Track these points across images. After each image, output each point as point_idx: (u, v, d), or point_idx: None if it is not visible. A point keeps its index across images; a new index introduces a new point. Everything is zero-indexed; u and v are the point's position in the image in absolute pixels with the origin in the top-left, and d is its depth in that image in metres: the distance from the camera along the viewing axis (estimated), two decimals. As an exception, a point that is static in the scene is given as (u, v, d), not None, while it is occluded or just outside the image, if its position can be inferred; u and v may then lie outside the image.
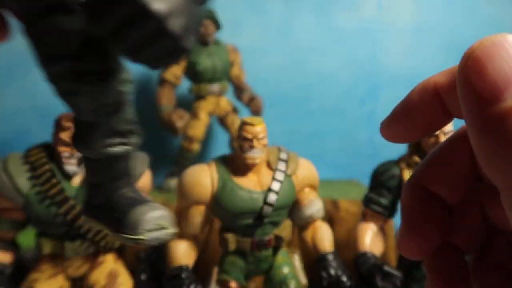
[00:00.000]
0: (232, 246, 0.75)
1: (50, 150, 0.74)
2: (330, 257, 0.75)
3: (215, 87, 1.21)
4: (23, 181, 0.71)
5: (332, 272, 0.73)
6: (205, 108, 1.21)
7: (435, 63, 1.45)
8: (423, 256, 0.23)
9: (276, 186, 0.73)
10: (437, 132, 0.74)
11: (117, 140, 0.34)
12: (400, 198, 0.24)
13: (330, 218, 0.98)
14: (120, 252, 0.86)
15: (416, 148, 0.80)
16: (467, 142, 0.21)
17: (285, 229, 0.77)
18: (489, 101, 0.15)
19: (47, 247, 0.76)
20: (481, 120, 0.15)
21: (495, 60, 0.15)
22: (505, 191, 0.15)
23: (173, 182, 1.21)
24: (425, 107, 0.22)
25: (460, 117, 0.22)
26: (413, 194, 0.23)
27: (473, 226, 0.23)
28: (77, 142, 0.33)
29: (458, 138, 0.23)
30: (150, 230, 0.32)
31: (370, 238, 0.79)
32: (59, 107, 1.39)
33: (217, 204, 0.73)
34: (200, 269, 0.87)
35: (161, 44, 0.22)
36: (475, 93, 0.15)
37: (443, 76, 0.22)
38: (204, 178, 0.73)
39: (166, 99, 1.17)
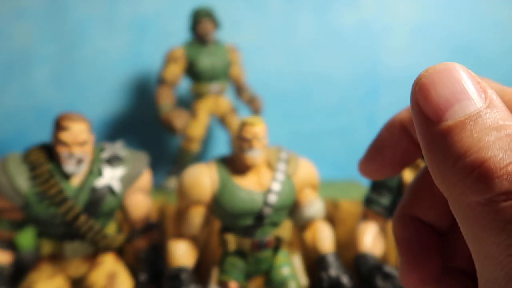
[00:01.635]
0: (232, 246, 0.75)
1: (49, 150, 0.74)
2: (331, 258, 0.75)
3: (214, 86, 1.21)
4: (22, 181, 0.71)
5: (333, 273, 0.73)
6: (204, 108, 1.21)
7: (436, 63, 1.45)
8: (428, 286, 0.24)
9: (276, 186, 0.73)
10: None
11: None
12: (393, 231, 0.25)
13: (330, 219, 0.98)
14: (120, 252, 0.86)
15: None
16: None
17: (286, 229, 0.77)
18: (433, 122, 0.17)
19: (47, 247, 0.75)
20: (427, 139, 0.17)
21: (438, 86, 0.17)
22: (450, 202, 0.17)
23: (172, 182, 1.21)
24: (395, 143, 0.24)
25: None
26: (405, 225, 0.24)
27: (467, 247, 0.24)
28: None
29: None
30: None
31: (370, 239, 0.78)
32: (59, 107, 1.38)
33: (217, 205, 0.73)
34: (200, 270, 0.86)
35: None
36: (422, 115, 0.17)
37: (407, 111, 0.24)
38: (203, 178, 0.73)
39: (165, 99, 1.17)
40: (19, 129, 1.38)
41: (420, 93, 0.18)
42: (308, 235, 0.79)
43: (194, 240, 0.77)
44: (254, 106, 1.24)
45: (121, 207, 0.80)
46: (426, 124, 0.17)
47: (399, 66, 1.45)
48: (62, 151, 0.70)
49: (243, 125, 0.71)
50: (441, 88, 0.17)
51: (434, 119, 0.17)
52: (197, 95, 1.22)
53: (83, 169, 0.74)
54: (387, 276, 0.73)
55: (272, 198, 0.72)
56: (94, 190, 0.73)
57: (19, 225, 0.76)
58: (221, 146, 1.41)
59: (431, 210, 0.24)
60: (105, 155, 0.76)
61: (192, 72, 1.20)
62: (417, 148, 0.24)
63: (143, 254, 0.81)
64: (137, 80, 1.42)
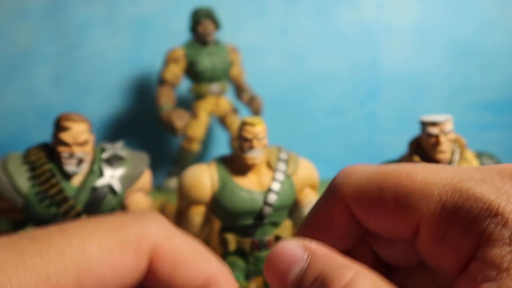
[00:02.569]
0: (232, 246, 0.75)
1: (49, 150, 0.74)
2: (330, 258, 0.75)
3: (215, 87, 1.21)
4: (22, 181, 0.71)
5: (332, 272, 0.73)
6: (204, 108, 1.21)
7: (436, 63, 1.45)
8: None
9: (276, 186, 0.73)
10: (437, 132, 0.73)
11: None
12: None
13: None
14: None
15: (416, 148, 0.79)
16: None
17: (286, 229, 0.77)
18: None
19: (47, 247, 0.75)
20: None
21: (273, 269, 0.18)
22: None
23: (173, 182, 1.21)
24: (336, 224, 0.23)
25: (369, 227, 0.22)
26: (330, 204, 0.24)
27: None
28: None
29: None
30: None
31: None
32: (59, 107, 1.38)
33: (217, 205, 0.73)
34: (200, 269, 0.86)
35: None
36: None
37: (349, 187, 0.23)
38: (204, 178, 0.73)
39: (166, 99, 1.17)
40: (20, 129, 1.38)
41: (272, 280, 0.19)
42: (308, 235, 0.79)
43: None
44: (254, 106, 1.24)
45: (122, 207, 0.80)
46: None
47: (399, 67, 1.46)
48: (63, 151, 0.70)
49: (243, 125, 0.71)
50: (275, 268, 0.18)
51: None
52: (198, 96, 1.22)
53: (84, 169, 0.74)
54: (387, 276, 0.73)
55: (272, 198, 0.72)
56: (94, 190, 0.74)
57: (19, 225, 0.76)
58: (221, 146, 1.41)
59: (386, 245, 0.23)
60: (106, 155, 0.77)
61: (192, 72, 1.20)
62: (359, 226, 0.23)
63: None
64: (137, 81, 1.42)
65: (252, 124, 0.70)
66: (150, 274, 0.19)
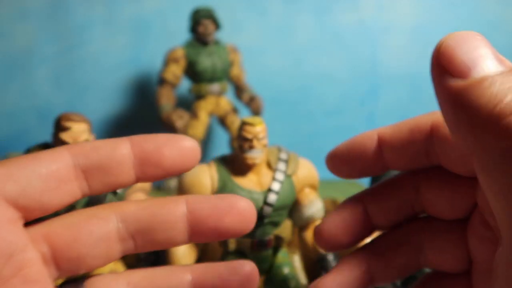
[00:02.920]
0: (232, 246, 0.75)
1: (50, 150, 0.74)
2: (330, 257, 0.75)
3: (215, 87, 1.21)
4: (23, 181, 0.71)
5: (332, 272, 0.73)
6: (204, 108, 1.21)
7: (435, 63, 1.46)
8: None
9: (276, 186, 0.73)
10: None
11: None
12: (340, 203, 0.29)
13: (330, 218, 0.98)
14: (120, 252, 0.86)
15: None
16: (413, 179, 0.27)
17: (285, 229, 0.77)
18: (459, 78, 0.17)
19: (47, 247, 0.75)
20: (452, 94, 0.17)
21: (463, 47, 0.17)
22: (478, 153, 0.17)
23: (173, 182, 1.21)
24: (364, 155, 0.26)
25: (393, 168, 0.27)
26: (350, 203, 0.30)
27: (400, 268, 0.29)
28: None
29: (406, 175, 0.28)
30: None
31: (370, 238, 0.79)
32: (59, 107, 1.39)
33: (217, 204, 0.73)
34: (200, 269, 0.87)
35: None
36: (446, 73, 0.17)
37: (388, 129, 0.25)
38: (204, 178, 0.73)
39: (166, 99, 1.17)
40: (20, 128, 1.39)
41: (444, 53, 0.18)
42: (308, 235, 0.79)
43: (194, 239, 0.77)
44: (254, 106, 1.24)
45: (122, 207, 0.80)
46: (450, 83, 0.17)
47: (399, 67, 1.46)
48: (63, 151, 0.70)
49: (243, 125, 0.71)
50: (466, 49, 0.17)
51: (459, 76, 0.17)
52: (198, 96, 1.22)
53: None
54: (386, 276, 0.73)
55: (272, 198, 0.72)
56: (94, 190, 0.74)
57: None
58: (221, 146, 1.41)
59: (382, 211, 0.27)
60: (106, 155, 0.77)
61: (192, 72, 1.20)
62: (382, 167, 0.26)
63: (143, 254, 0.81)
64: (137, 81, 1.42)
65: (252, 124, 0.70)
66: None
